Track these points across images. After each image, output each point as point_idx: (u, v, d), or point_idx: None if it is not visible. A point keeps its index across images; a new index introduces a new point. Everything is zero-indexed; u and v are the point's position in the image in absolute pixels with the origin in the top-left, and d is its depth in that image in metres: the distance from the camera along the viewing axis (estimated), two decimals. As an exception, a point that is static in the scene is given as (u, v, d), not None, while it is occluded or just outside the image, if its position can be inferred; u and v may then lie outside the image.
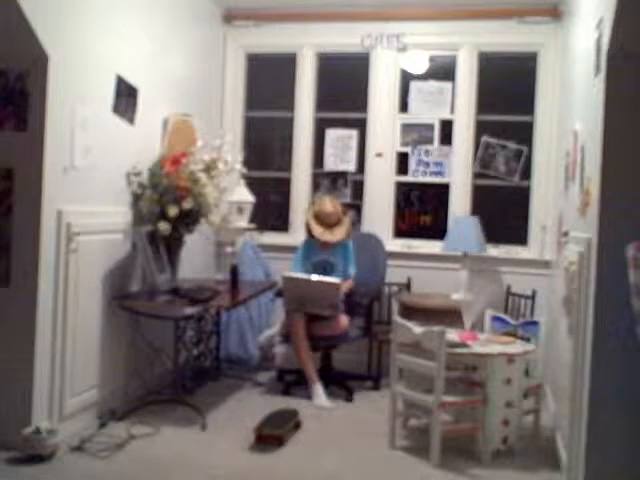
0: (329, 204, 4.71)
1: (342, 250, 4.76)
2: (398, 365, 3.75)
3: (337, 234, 4.65)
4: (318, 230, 4.65)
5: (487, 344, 3.71)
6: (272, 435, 3.63)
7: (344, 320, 4.58)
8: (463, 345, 3.62)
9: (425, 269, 5.17)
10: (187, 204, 4.15)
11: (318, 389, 4.41)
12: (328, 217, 4.65)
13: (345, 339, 4.65)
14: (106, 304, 3.91)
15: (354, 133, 5.45)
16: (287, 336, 4.65)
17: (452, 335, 3.67)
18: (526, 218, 5.19)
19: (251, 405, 4.31)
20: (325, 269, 4.71)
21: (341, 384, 4.65)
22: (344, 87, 5.58)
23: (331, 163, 5.47)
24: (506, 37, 5.15)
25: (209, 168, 4.36)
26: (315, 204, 4.81)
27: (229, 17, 5.51)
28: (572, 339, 3.17)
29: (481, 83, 5.24)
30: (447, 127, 5.29)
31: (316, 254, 4.79)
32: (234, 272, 4.56)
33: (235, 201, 5.09)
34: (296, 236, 5.27)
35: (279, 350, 5.21)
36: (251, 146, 5.57)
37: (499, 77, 5.28)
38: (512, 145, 5.20)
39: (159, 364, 4.33)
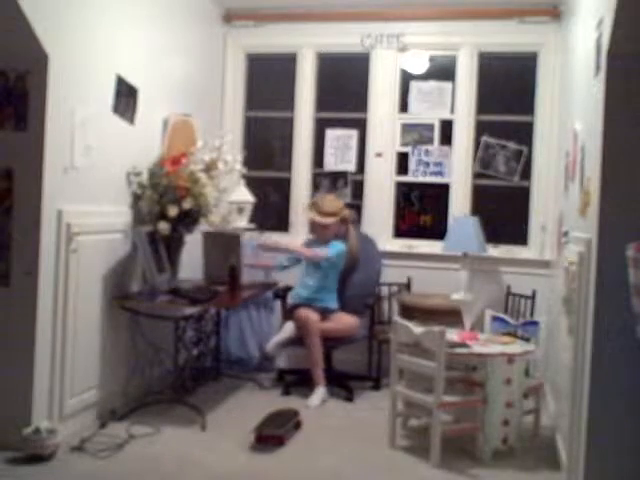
0: (328, 197, 5.00)
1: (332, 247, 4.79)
2: (398, 365, 3.75)
3: (327, 219, 4.77)
4: (310, 214, 4.84)
5: (487, 344, 3.71)
6: (272, 435, 3.63)
7: (349, 320, 4.61)
8: (463, 345, 3.62)
9: (425, 269, 5.17)
10: (187, 204, 4.15)
11: (320, 391, 4.40)
12: (323, 205, 4.81)
13: (351, 339, 4.69)
14: (106, 304, 3.91)
15: (354, 133, 5.45)
16: (297, 339, 4.63)
17: (452, 335, 3.67)
18: (526, 218, 5.19)
19: (251, 405, 4.31)
20: (316, 264, 4.72)
21: (341, 384, 4.65)
22: (344, 87, 5.57)
23: (331, 163, 5.47)
24: (506, 37, 5.15)
25: (209, 168, 4.36)
26: (316, 198, 5.07)
27: (229, 17, 5.51)
28: (572, 339, 3.17)
29: (481, 83, 5.24)
30: (447, 127, 5.29)
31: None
32: (234, 272, 4.56)
33: (235, 201, 5.09)
34: (296, 236, 5.27)
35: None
36: (251, 146, 5.57)
37: (499, 77, 5.28)
38: (512, 145, 5.20)
39: (159, 364, 4.33)
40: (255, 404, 4.30)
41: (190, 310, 3.95)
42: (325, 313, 4.62)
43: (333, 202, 4.86)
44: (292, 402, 4.32)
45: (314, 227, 4.84)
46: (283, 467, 3.41)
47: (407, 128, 5.35)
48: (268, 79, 5.64)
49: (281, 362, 5.18)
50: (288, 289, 5.02)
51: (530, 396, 3.87)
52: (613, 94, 2.76)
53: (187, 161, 4.25)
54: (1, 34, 3.22)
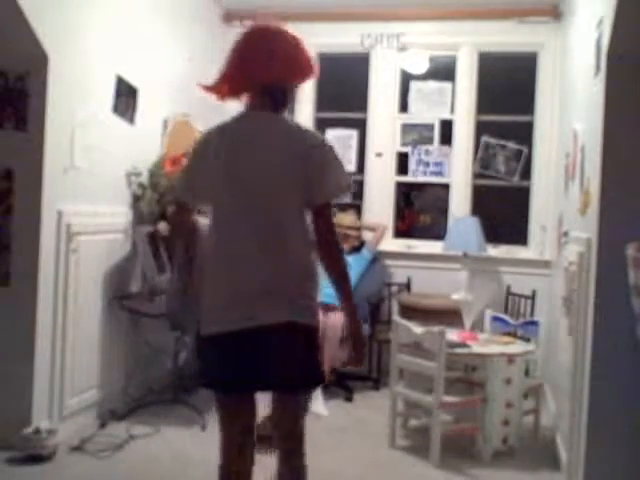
0: (347, 218, 5.05)
1: (359, 258, 4.92)
2: (398, 365, 3.75)
3: (351, 242, 5.01)
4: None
5: (487, 344, 3.71)
6: (270, 436, 3.60)
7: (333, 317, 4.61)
8: (463, 345, 3.62)
9: (425, 269, 5.17)
10: (187, 204, 4.14)
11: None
12: (347, 229, 4.97)
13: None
14: (106, 304, 3.91)
15: (354, 133, 5.45)
16: None
17: (452, 335, 3.67)
18: (526, 218, 5.19)
19: (251, 405, 4.30)
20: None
21: (341, 384, 4.64)
22: (344, 87, 5.57)
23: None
24: (506, 37, 5.15)
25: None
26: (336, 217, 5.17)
27: (229, 17, 5.50)
28: (572, 339, 3.17)
29: (481, 83, 5.24)
30: (447, 127, 5.29)
31: None
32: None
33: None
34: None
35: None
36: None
37: (499, 77, 5.28)
38: (512, 145, 5.20)
39: (159, 364, 4.33)
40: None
41: (190, 310, 3.94)
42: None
43: (354, 223, 5.04)
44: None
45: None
46: (283, 467, 3.40)
47: (407, 128, 5.35)
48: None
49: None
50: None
51: (530, 396, 3.87)
52: (613, 94, 2.76)
53: (187, 161, 4.25)
54: (1, 34, 3.22)
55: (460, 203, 5.23)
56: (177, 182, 2.27)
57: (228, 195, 2.06)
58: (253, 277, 2.00)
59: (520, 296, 4.86)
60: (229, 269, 2.04)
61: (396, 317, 4.03)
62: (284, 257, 2.01)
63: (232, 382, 2.05)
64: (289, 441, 2.15)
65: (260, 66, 2.07)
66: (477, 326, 4.32)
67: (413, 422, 4.02)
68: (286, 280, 2.01)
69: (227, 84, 2.12)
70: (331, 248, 2.07)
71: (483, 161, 5.24)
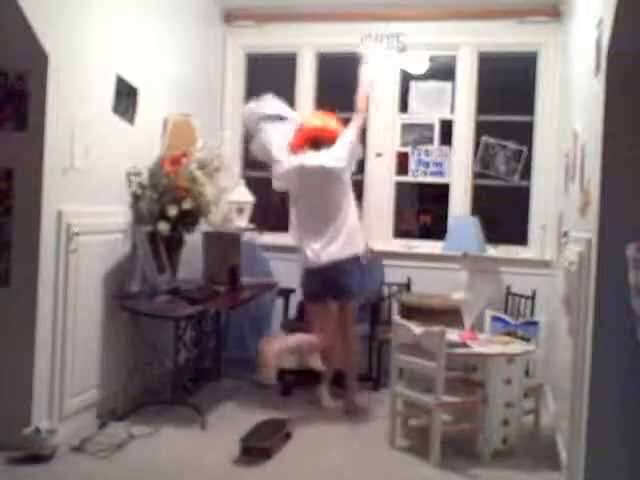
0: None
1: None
2: (398, 365, 3.75)
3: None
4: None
5: (487, 344, 3.71)
6: (258, 447, 3.48)
7: None
8: (463, 345, 3.62)
9: (425, 269, 5.17)
10: (187, 204, 4.15)
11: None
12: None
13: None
14: (106, 304, 3.91)
15: (354, 133, 5.44)
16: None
17: (452, 335, 3.67)
18: (526, 218, 5.19)
19: (251, 405, 4.31)
20: None
21: (341, 384, 4.63)
22: (344, 87, 5.56)
23: (331, 163, 5.45)
24: (506, 37, 5.15)
25: (205, 165, 4.36)
26: None
27: (229, 17, 5.51)
28: (572, 339, 3.17)
29: (481, 83, 5.24)
30: (447, 127, 5.29)
31: None
32: (234, 272, 4.55)
33: (235, 201, 5.09)
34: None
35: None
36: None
37: (499, 77, 5.28)
38: (512, 145, 5.20)
39: (159, 364, 4.33)
40: (255, 404, 4.30)
41: (190, 310, 3.94)
42: None
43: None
44: (292, 402, 4.33)
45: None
46: (283, 467, 3.41)
47: (407, 128, 5.35)
48: (268, 79, 5.64)
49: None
50: (291, 291, 5.01)
51: (530, 396, 3.87)
52: (613, 94, 2.76)
53: (187, 161, 4.25)
54: (1, 34, 3.22)
55: (460, 203, 5.23)
56: (275, 186, 4.28)
57: (303, 196, 4.17)
58: (321, 238, 4.03)
59: (520, 296, 4.86)
60: (310, 235, 4.07)
61: (396, 317, 4.03)
62: (335, 227, 4.06)
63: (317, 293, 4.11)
64: (349, 328, 4.24)
65: (314, 137, 4.22)
66: (477, 326, 4.32)
67: (413, 422, 4.02)
68: (337, 239, 4.04)
69: (298, 145, 4.23)
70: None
71: (483, 161, 5.24)
